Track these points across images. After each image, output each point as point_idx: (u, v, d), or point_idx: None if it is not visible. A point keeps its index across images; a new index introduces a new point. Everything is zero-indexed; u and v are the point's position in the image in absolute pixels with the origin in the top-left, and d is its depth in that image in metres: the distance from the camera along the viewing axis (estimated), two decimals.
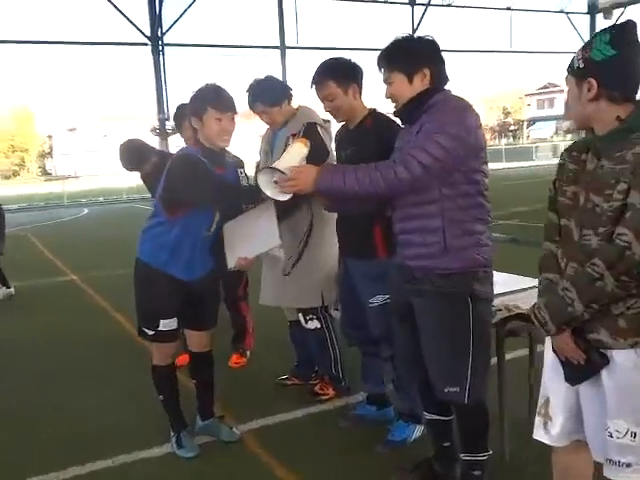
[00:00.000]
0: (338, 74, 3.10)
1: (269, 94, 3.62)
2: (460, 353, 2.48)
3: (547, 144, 43.83)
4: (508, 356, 3.05)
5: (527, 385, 3.13)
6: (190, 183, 2.90)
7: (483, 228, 2.46)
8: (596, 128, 1.88)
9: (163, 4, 19.32)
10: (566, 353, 1.93)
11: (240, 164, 4.37)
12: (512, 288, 3.10)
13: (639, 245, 1.73)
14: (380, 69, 2.53)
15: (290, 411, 3.71)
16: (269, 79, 3.74)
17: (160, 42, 19.77)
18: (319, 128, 3.63)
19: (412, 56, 2.46)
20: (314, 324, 3.75)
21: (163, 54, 19.87)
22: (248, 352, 4.64)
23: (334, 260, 3.75)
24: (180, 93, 21.57)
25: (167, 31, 19.96)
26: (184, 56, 21.28)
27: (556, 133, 53.23)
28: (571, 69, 1.90)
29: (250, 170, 4.12)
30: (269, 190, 2.49)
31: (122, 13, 18.84)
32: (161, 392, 3.35)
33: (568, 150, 2.06)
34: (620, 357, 1.85)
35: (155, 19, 19.31)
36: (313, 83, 3.15)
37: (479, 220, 2.45)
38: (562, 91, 53.53)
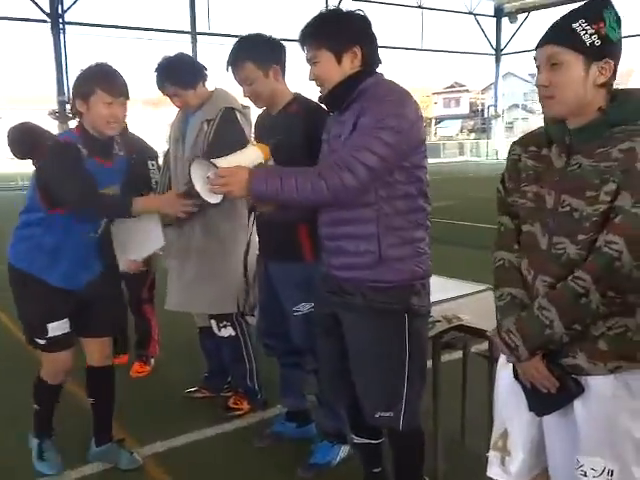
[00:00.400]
0: (257, 54, 2.73)
1: (181, 74, 3.20)
2: (394, 375, 2.19)
3: (453, 142, 45.00)
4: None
5: (459, 395, 2.91)
6: (56, 179, 2.54)
7: (423, 235, 2.18)
8: (573, 119, 1.62)
9: None
10: (535, 380, 1.66)
11: (152, 154, 3.94)
12: (450, 294, 2.85)
13: (629, 255, 1.48)
14: (303, 47, 2.17)
15: (199, 429, 3.31)
16: (181, 57, 3.32)
17: (61, 20, 18.68)
18: (237, 114, 3.26)
19: (341, 33, 2.13)
20: (228, 332, 3.38)
21: (64, 33, 18.80)
22: (152, 360, 4.19)
23: (251, 261, 3.41)
24: None
25: (69, 8, 18.90)
26: (89, 37, 20.17)
27: (461, 131, 54.83)
28: (577, 44, 1.55)
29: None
30: (199, 185, 2.11)
31: None
32: (39, 404, 2.92)
33: (521, 144, 1.79)
34: (597, 384, 1.59)
35: None
36: (229, 64, 2.76)
37: (419, 226, 2.16)
38: (467, 91, 55.29)
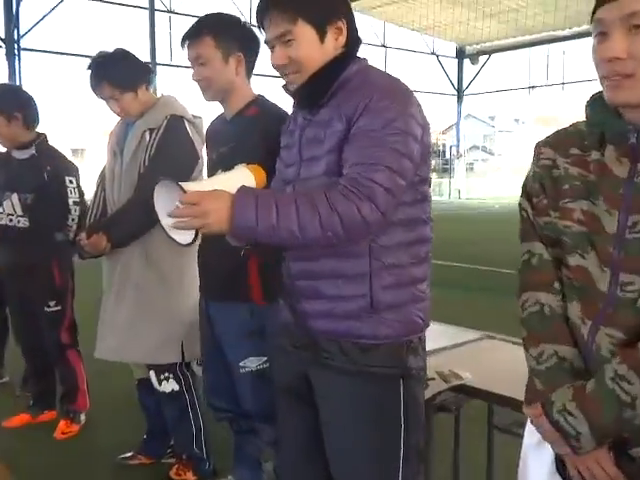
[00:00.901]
0: (222, 32, 2.17)
1: (121, 74, 2.66)
2: (387, 455, 1.62)
3: None
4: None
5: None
6: None
7: (425, 272, 1.64)
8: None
9: (21, 5, 17.62)
10: (598, 478, 1.14)
11: (71, 169, 3.37)
12: (441, 344, 2.33)
13: None
14: (264, 20, 1.59)
15: None
16: (122, 54, 2.76)
17: (16, 45, 18.07)
18: (186, 123, 2.72)
19: (326, 1, 1.60)
20: (170, 386, 2.78)
21: (19, 58, 18.15)
22: (82, 416, 3.52)
23: (197, 303, 2.84)
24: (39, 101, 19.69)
25: (25, 34, 18.30)
26: (45, 62, 19.49)
27: None
28: None
29: (91, 179, 3.11)
30: (164, 218, 1.44)
31: None
32: None
33: (555, 145, 1.31)
34: None
35: (12, 20, 17.56)
36: (185, 38, 2.19)
37: (422, 261, 1.62)
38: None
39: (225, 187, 1.44)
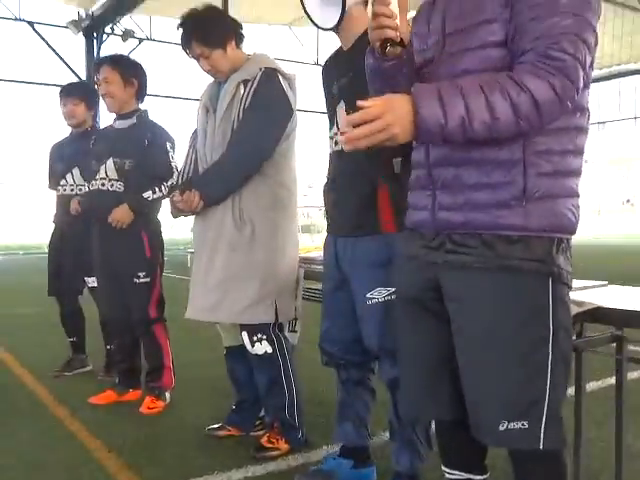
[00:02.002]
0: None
1: (208, 31, 2.64)
2: (533, 366, 1.43)
3: None
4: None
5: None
6: None
7: (580, 167, 1.47)
8: None
9: None
10: None
11: (170, 137, 3.44)
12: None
13: None
14: None
15: (224, 472, 2.53)
16: (207, 9, 2.73)
17: None
18: (280, 77, 2.67)
19: None
20: (264, 348, 2.66)
21: None
22: (168, 394, 3.43)
23: (293, 260, 2.75)
24: None
25: None
26: None
27: None
28: None
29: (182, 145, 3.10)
30: (319, 16, 1.40)
31: None
32: None
33: None
34: None
35: None
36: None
37: (579, 153, 1.46)
38: None
39: None
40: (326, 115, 2.30)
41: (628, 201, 49.39)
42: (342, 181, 2.19)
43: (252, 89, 2.61)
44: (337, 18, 1.32)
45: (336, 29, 1.35)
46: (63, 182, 3.93)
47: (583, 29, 1.32)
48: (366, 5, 2.12)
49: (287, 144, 2.70)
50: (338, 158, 2.20)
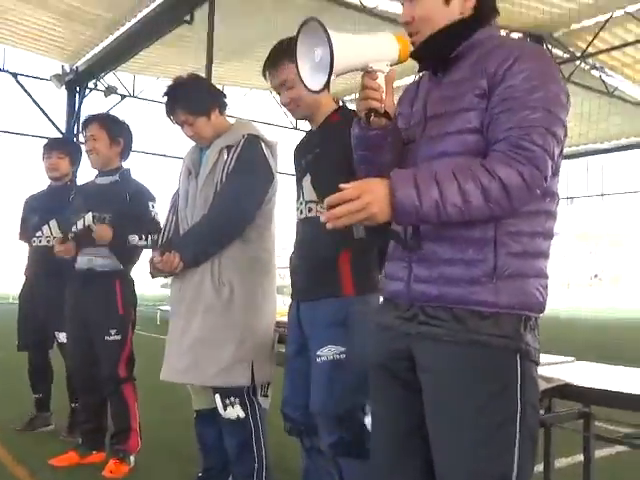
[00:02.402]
0: None
1: (193, 99, 2.71)
2: (500, 442, 1.45)
3: None
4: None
5: None
6: None
7: (548, 250, 1.54)
8: None
9: None
10: None
11: (151, 196, 3.46)
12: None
13: None
14: None
15: None
16: (194, 78, 2.84)
17: None
18: (263, 145, 2.74)
19: None
20: (236, 412, 2.62)
21: None
22: (132, 458, 3.33)
23: (271, 321, 2.76)
24: None
25: None
26: None
27: None
28: None
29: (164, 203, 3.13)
30: (302, 61, 1.45)
31: None
32: None
33: None
34: None
35: None
36: (265, 69, 2.33)
37: (548, 236, 1.53)
38: None
39: (370, 45, 1.47)
40: None
41: (596, 276, 50.34)
42: (305, 247, 2.30)
43: (235, 154, 2.67)
44: (324, 83, 1.42)
45: (320, 92, 1.47)
46: (39, 234, 3.91)
47: (552, 123, 1.40)
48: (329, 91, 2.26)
49: (268, 208, 2.75)
50: (302, 225, 2.32)
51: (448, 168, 1.40)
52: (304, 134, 2.50)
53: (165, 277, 2.78)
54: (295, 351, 2.32)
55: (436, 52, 1.57)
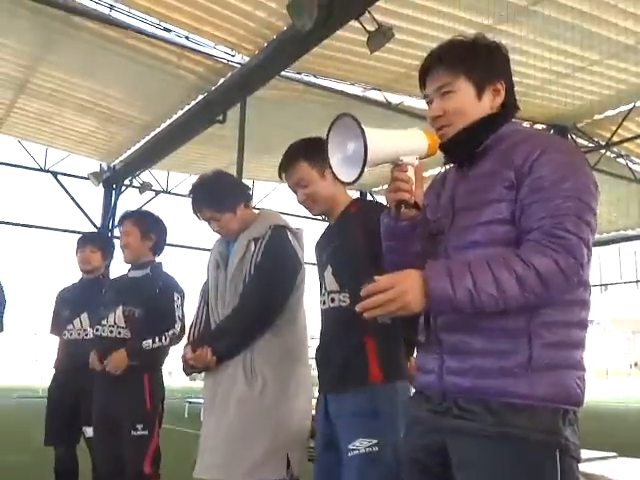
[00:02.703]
0: (312, 153, 2.38)
1: (217, 197, 2.79)
2: None
3: None
4: None
5: None
6: None
7: (584, 341, 1.53)
8: None
9: None
10: None
11: (179, 288, 3.50)
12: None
13: None
14: (428, 74, 1.67)
15: None
16: (217, 176, 2.91)
17: None
18: (289, 233, 2.79)
19: (487, 61, 1.65)
20: None
21: None
22: None
23: (307, 411, 2.71)
24: None
25: None
26: None
27: None
28: None
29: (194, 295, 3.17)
30: (334, 154, 1.50)
31: None
32: None
33: None
34: None
35: None
36: (281, 170, 2.44)
37: (584, 326, 1.52)
38: None
39: (401, 140, 1.54)
40: None
41: (636, 364, 48.57)
42: (329, 338, 2.30)
43: (262, 246, 2.72)
44: (356, 175, 1.48)
45: (354, 183, 1.53)
46: (70, 327, 3.97)
47: (584, 211, 1.43)
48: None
49: (296, 296, 2.76)
50: (325, 316, 2.34)
51: (482, 258, 1.42)
52: (323, 231, 2.55)
53: (199, 373, 2.77)
54: (323, 445, 2.27)
55: (465, 146, 1.62)
